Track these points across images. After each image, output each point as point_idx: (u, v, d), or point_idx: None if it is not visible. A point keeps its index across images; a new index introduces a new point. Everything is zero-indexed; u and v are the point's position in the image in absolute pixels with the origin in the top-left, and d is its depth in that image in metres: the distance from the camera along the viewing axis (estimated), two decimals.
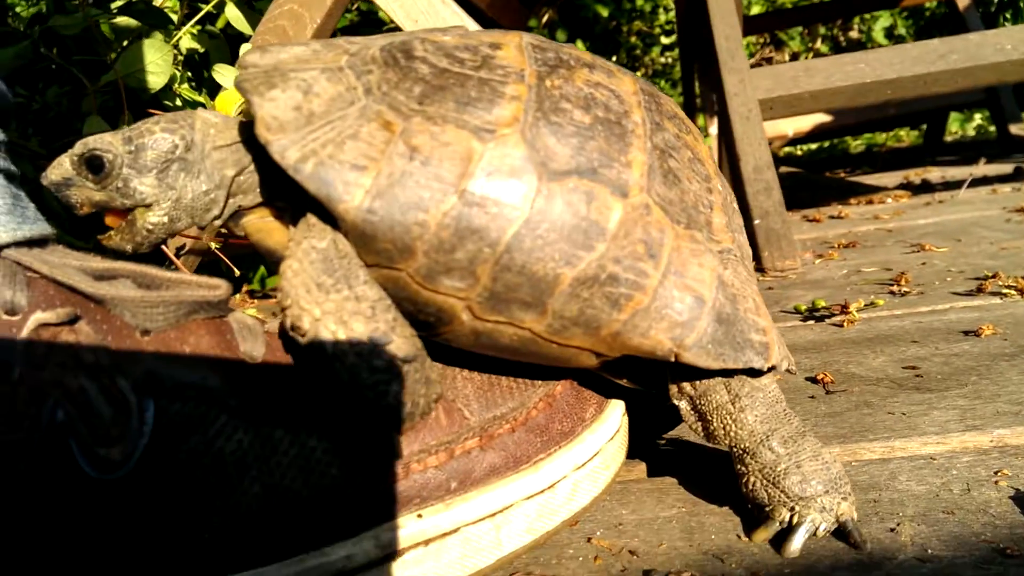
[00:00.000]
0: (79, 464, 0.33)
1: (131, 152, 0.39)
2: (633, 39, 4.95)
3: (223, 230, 0.43)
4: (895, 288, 0.89)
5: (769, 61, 4.99)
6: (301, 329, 0.37)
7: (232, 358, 0.38)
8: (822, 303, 0.85)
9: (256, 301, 1.44)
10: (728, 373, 0.43)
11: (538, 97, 0.40)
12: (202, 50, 1.66)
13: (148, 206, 0.40)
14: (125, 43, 1.64)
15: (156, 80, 1.39)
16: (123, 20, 1.55)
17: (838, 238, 1.31)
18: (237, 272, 1.35)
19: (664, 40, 4.86)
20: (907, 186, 1.88)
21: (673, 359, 0.41)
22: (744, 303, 0.44)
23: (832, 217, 1.56)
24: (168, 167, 0.40)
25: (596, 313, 0.40)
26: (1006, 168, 1.90)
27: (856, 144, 3.57)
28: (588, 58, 0.44)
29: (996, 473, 0.45)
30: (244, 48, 0.95)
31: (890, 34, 4.55)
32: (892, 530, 0.40)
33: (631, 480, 0.50)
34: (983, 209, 1.39)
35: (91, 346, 0.34)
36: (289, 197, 0.42)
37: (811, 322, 0.81)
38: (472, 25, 1.25)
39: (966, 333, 0.70)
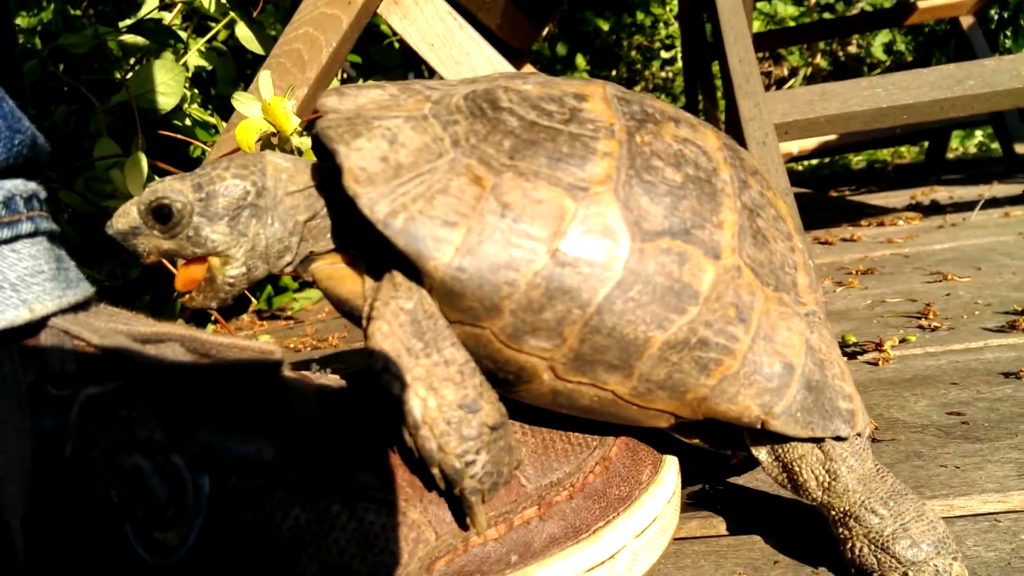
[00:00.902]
0: (135, 550, 0.31)
1: (202, 200, 0.38)
2: (633, 53, 4.97)
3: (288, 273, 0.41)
4: (923, 322, 0.88)
5: (768, 76, 5.01)
6: (392, 395, 0.35)
7: (288, 427, 0.36)
8: (852, 338, 0.84)
9: (265, 323, 1.42)
10: (815, 440, 0.42)
11: (630, 154, 0.39)
12: (209, 67, 1.65)
13: (220, 256, 0.38)
14: (132, 61, 1.63)
15: (167, 101, 1.38)
16: (132, 38, 1.54)
17: (855, 263, 1.30)
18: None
19: (664, 55, 4.87)
20: (916, 207, 1.87)
21: (760, 426, 0.40)
22: (831, 368, 0.42)
23: (845, 240, 1.55)
24: (239, 214, 0.38)
25: (684, 377, 0.39)
26: (1014, 189, 1.90)
27: (857, 160, 3.58)
28: (672, 111, 0.43)
29: None
30: (262, 76, 0.94)
31: (889, 50, 4.57)
32: None
33: (683, 538, 0.49)
34: (998, 234, 1.38)
35: (144, 421, 0.32)
36: (363, 245, 0.41)
37: (844, 359, 0.80)
38: (487, 48, 1.24)
39: (1006, 375, 0.69)
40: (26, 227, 0.34)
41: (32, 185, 0.36)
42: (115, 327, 0.35)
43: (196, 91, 1.72)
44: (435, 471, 0.36)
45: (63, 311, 0.34)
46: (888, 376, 0.73)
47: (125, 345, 0.33)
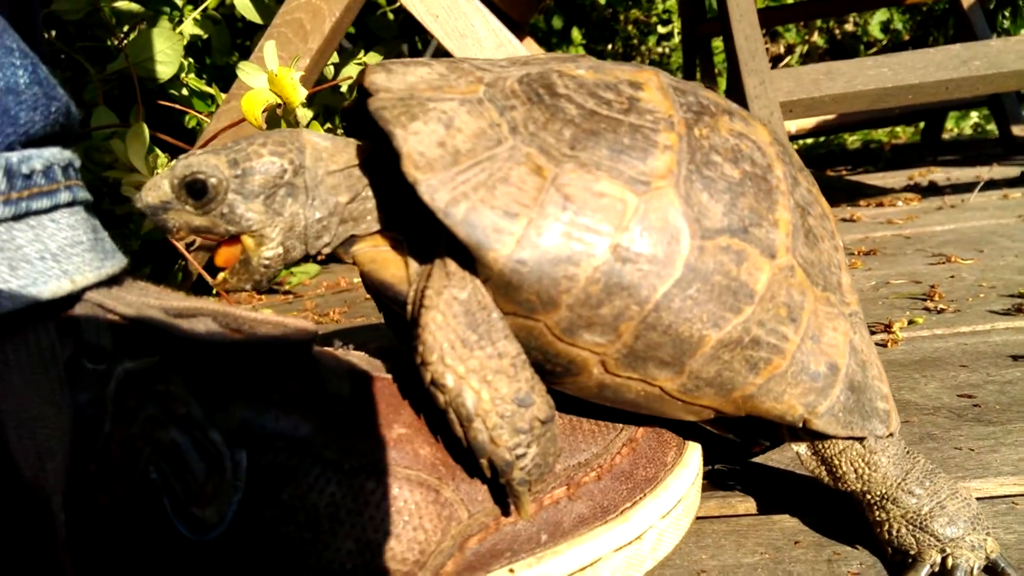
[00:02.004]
0: (175, 526, 0.31)
1: (237, 176, 0.36)
2: (630, 28, 4.92)
3: (322, 256, 0.40)
4: (930, 304, 0.89)
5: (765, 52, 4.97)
6: (445, 387, 0.35)
7: (322, 403, 0.36)
8: None
9: (263, 297, 1.41)
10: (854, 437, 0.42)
11: (690, 148, 0.38)
12: (205, 36, 1.62)
13: (255, 236, 0.37)
14: (126, 28, 1.59)
15: (165, 70, 1.35)
16: (126, 5, 1.51)
17: (856, 244, 1.30)
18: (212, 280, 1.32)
19: (661, 29, 4.83)
20: (914, 188, 1.87)
21: (802, 425, 0.40)
22: (871, 369, 0.43)
23: (845, 220, 1.55)
24: (276, 192, 0.37)
25: (733, 375, 0.39)
26: (1012, 171, 1.91)
27: (853, 140, 3.57)
28: (724, 103, 0.43)
29: None
30: (267, 46, 0.92)
31: (886, 29, 4.55)
32: None
33: (703, 518, 0.49)
34: (998, 216, 1.39)
35: (181, 397, 0.32)
36: (407, 228, 0.40)
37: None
38: (492, 19, 1.22)
39: (1015, 358, 0.69)
40: (64, 196, 0.33)
41: (68, 153, 0.35)
42: (148, 301, 0.34)
43: (191, 60, 1.69)
44: (484, 462, 0.36)
45: (99, 284, 0.33)
46: (898, 358, 0.73)
47: (160, 319, 0.33)
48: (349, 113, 0.45)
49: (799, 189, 0.43)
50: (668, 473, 0.44)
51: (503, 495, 0.38)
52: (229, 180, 0.36)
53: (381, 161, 0.40)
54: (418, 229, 0.38)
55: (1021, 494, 0.48)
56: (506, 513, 0.38)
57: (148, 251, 1.19)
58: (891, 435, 0.42)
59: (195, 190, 0.36)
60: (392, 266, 0.40)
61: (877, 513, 0.42)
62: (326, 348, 0.42)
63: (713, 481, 0.53)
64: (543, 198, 0.35)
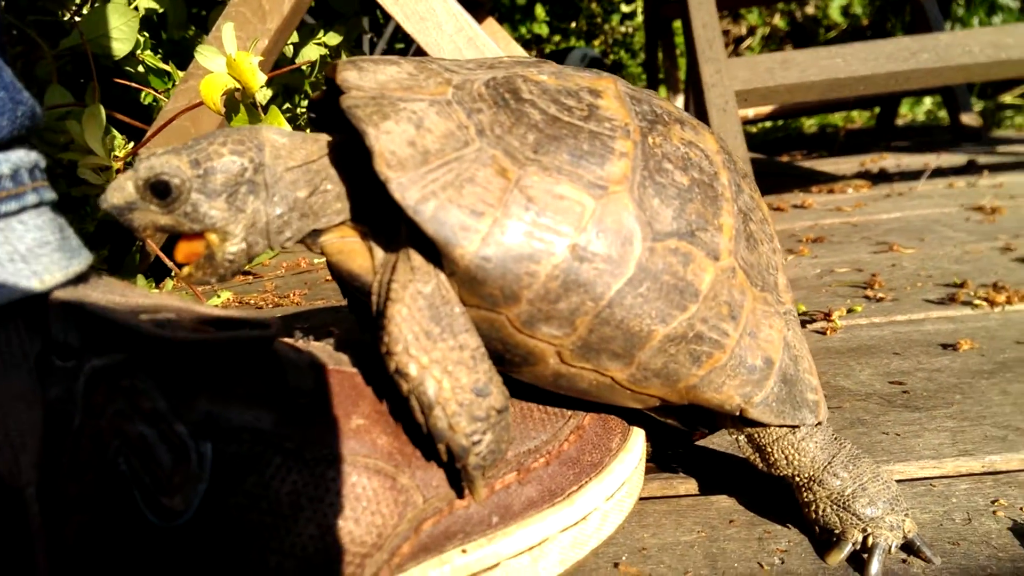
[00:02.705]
0: (144, 514, 0.32)
1: (200, 176, 0.38)
2: (593, 6, 4.92)
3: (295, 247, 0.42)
4: (869, 292, 0.93)
5: (726, 34, 5.02)
6: (408, 376, 0.37)
7: (283, 396, 0.38)
8: (803, 307, 0.88)
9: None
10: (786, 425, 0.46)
11: (644, 155, 0.41)
12: (160, 10, 1.59)
13: (218, 232, 0.39)
14: (79, 1, 1.56)
15: (120, 47, 1.33)
16: None
17: (805, 231, 1.34)
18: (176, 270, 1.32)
19: (624, 8, 4.83)
20: (865, 174, 1.93)
21: (738, 414, 0.44)
22: (803, 363, 0.46)
23: (796, 206, 1.60)
24: (237, 190, 0.38)
25: (678, 367, 0.42)
26: (959, 159, 1.97)
27: (810, 124, 3.64)
28: (676, 112, 0.46)
29: (993, 503, 0.48)
30: (225, 28, 0.91)
31: (846, 12, 4.61)
32: (904, 561, 0.43)
33: (646, 498, 0.52)
34: (942, 205, 1.45)
35: (148, 392, 0.34)
36: (371, 220, 0.41)
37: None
38: (452, 3, 1.23)
39: (944, 347, 0.74)
40: (31, 198, 0.34)
41: (34, 155, 0.36)
42: (114, 299, 0.36)
43: (147, 34, 1.66)
44: (441, 447, 0.38)
45: (67, 282, 0.34)
46: (835, 345, 0.77)
47: (126, 317, 0.34)
48: (317, 105, 0.46)
49: (742, 196, 0.46)
50: (613, 458, 0.46)
51: (458, 479, 0.40)
52: (192, 180, 0.37)
53: (348, 155, 0.41)
54: (383, 221, 0.40)
55: (938, 476, 0.52)
56: (460, 496, 0.40)
57: (105, 233, 1.18)
58: (819, 424, 0.46)
59: (159, 190, 0.37)
60: (359, 257, 0.41)
61: (805, 494, 0.46)
62: (287, 340, 0.44)
63: (658, 463, 0.56)
64: (507, 198, 0.37)
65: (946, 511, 0.47)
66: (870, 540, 0.43)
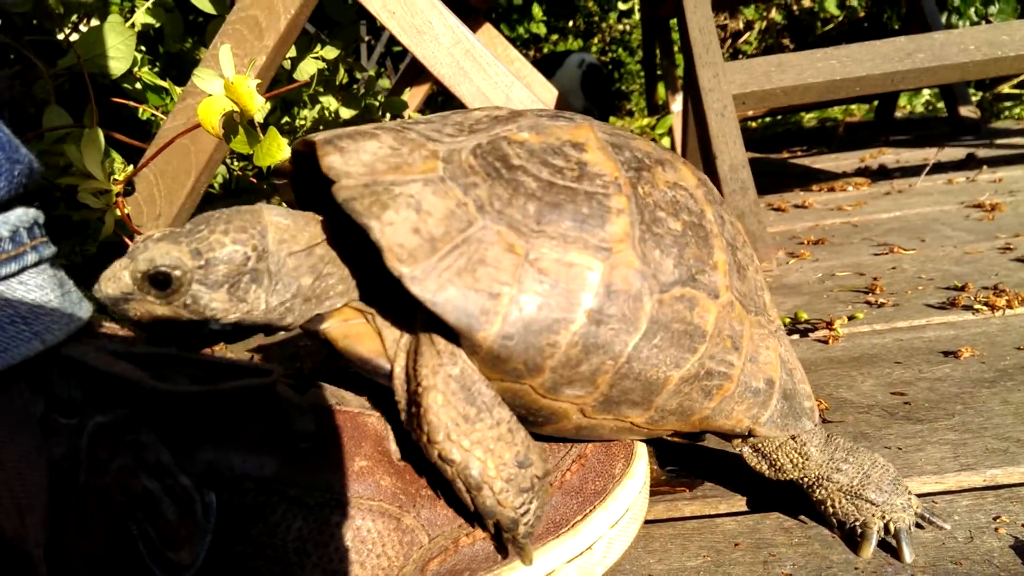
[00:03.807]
0: (151, 571, 0.33)
1: (201, 267, 0.37)
2: (591, 4, 4.91)
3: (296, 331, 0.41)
4: (871, 298, 0.93)
5: (724, 28, 5.01)
6: (452, 462, 0.38)
7: (286, 442, 0.38)
8: (804, 315, 0.88)
9: None
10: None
11: (638, 208, 0.42)
12: (157, 25, 1.59)
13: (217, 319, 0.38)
14: (75, 17, 1.57)
15: (118, 65, 1.34)
16: None
17: (807, 232, 1.34)
18: None
19: (622, 6, 4.83)
20: (865, 171, 1.93)
21: (748, 434, 0.46)
22: (796, 374, 0.48)
23: (797, 206, 1.60)
24: (240, 279, 0.38)
25: (691, 404, 0.43)
26: (958, 153, 1.97)
27: (809, 118, 3.63)
28: (655, 152, 0.46)
29: (995, 519, 0.48)
30: (223, 51, 0.91)
31: (842, 5, 4.60)
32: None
33: (652, 522, 0.52)
34: (942, 203, 1.44)
35: (151, 445, 0.34)
36: (376, 299, 0.42)
37: (795, 336, 0.84)
38: (449, 16, 1.23)
39: (946, 354, 0.74)
40: (31, 257, 0.34)
41: (32, 212, 0.36)
42: (117, 349, 0.36)
43: (144, 48, 1.66)
44: (490, 523, 0.39)
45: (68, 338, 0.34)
46: (837, 355, 0.77)
47: (128, 372, 0.34)
48: (291, 173, 0.46)
49: (726, 227, 0.47)
50: (616, 485, 0.47)
51: (503, 545, 0.41)
52: (193, 271, 0.37)
53: (343, 235, 0.41)
54: (388, 300, 0.40)
55: (940, 492, 0.52)
56: (505, 556, 0.41)
57: (105, 256, 1.19)
58: (815, 426, 0.48)
59: (158, 282, 0.36)
60: (367, 340, 0.41)
61: (818, 492, 0.48)
62: (289, 380, 0.44)
63: (662, 479, 0.56)
64: (520, 274, 0.38)
65: (948, 529, 0.48)
66: (891, 527, 0.46)
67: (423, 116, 0.46)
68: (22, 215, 0.35)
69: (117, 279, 0.37)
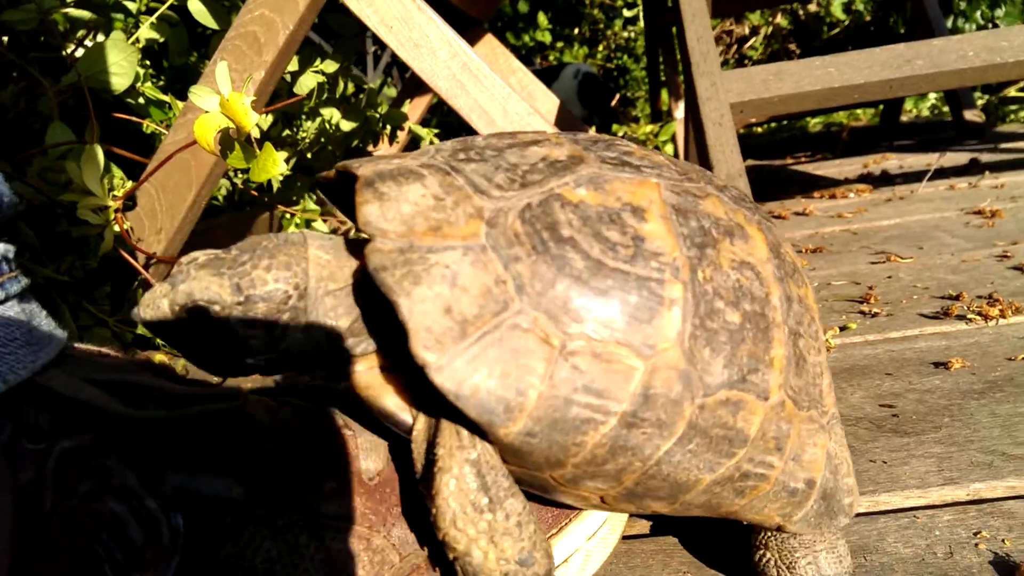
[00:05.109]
0: None
1: (240, 303, 0.36)
2: (596, 12, 4.92)
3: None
4: (865, 307, 0.93)
5: (729, 34, 5.01)
6: (455, 549, 0.37)
7: (254, 463, 0.38)
8: None
9: None
10: None
11: (695, 298, 0.38)
12: (161, 40, 1.61)
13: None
14: (81, 33, 1.58)
15: (120, 81, 1.35)
16: (78, 12, 1.50)
17: (805, 241, 1.34)
18: None
19: (627, 13, 4.83)
20: (867, 177, 1.92)
21: (776, 529, 0.43)
22: (842, 469, 0.45)
23: (797, 213, 1.59)
24: (279, 317, 0.37)
25: (720, 501, 0.41)
26: (961, 158, 1.96)
27: (815, 123, 3.62)
28: (724, 217, 0.41)
29: (976, 535, 0.48)
30: (219, 68, 0.92)
31: (848, 9, 4.59)
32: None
33: (634, 536, 0.52)
34: (942, 209, 1.44)
35: (117, 469, 0.34)
36: (402, 352, 0.38)
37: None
38: (447, 30, 1.24)
39: (936, 365, 0.73)
40: None
41: (0, 247, 0.36)
42: (87, 374, 0.36)
43: (148, 63, 1.68)
44: None
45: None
46: (829, 366, 0.77)
47: (94, 398, 0.35)
48: (327, 186, 0.44)
49: (792, 308, 0.42)
50: None
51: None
52: (231, 308, 0.36)
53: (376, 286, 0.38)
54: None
55: (923, 507, 0.52)
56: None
57: (107, 269, 1.20)
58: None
59: (195, 314, 0.36)
60: (391, 394, 0.39)
61: (757, 543, 0.46)
62: (262, 399, 0.45)
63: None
64: (551, 370, 0.35)
65: (928, 544, 0.47)
66: None
67: (484, 146, 0.42)
68: None
69: (156, 307, 0.36)
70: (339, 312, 0.38)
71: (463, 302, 0.35)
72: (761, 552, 0.45)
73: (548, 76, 3.40)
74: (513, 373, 0.35)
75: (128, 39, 1.41)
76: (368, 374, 0.40)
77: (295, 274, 0.37)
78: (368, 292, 0.39)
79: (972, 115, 2.33)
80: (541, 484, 0.40)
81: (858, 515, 0.51)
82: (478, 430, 0.37)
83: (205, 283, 0.35)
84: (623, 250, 0.37)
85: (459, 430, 0.37)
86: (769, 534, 0.45)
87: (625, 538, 0.52)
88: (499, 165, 0.40)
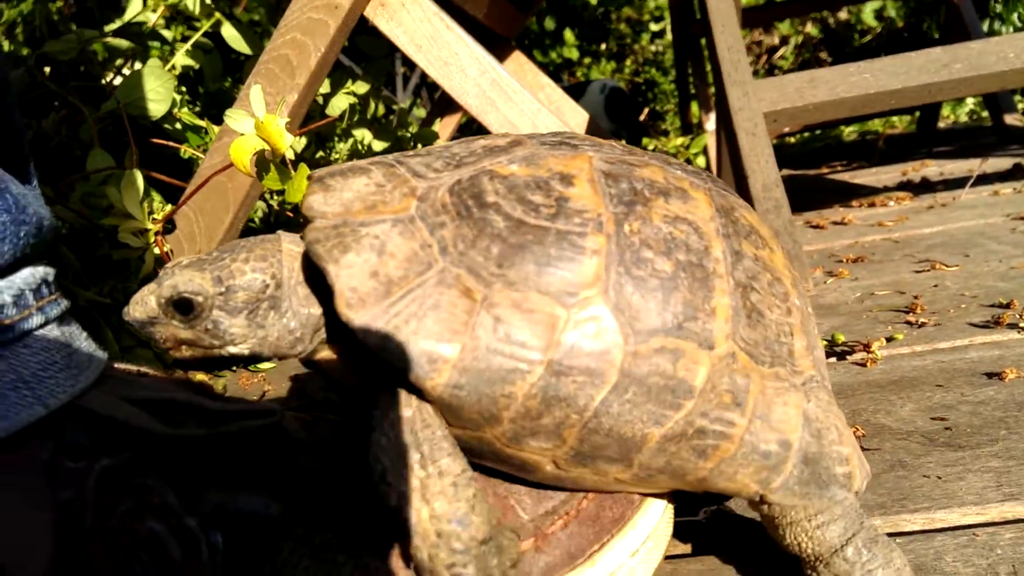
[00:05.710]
0: None
1: (222, 294, 0.38)
2: (622, 26, 4.93)
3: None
4: (911, 318, 0.90)
5: (759, 44, 4.98)
6: (388, 506, 0.37)
7: (291, 481, 0.38)
8: (841, 337, 0.85)
9: None
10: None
11: (619, 247, 0.38)
12: (196, 66, 1.65)
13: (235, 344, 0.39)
14: (119, 62, 1.62)
15: (157, 108, 1.38)
16: (117, 41, 1.54)
17: (845, 250, 1.31)
18: None
19: (653, 27, 4.83)
20: (907, 185, 1.88)
21: (758, 499, 0.42)
22: (828, 435, 0.43)
23: (836, 223, 1.56)
24: (258, 306, 0.39)
25: (683, 463, 0.40)
26: (1004, 163, 1.91)
27: (849, 131, 3.57)
28: (662, 181, 0.42)
29: None
30: (254, 91, 0.94)
31: (880, 16, 4.53)
32: None
33: (677, 556, 0.51)
34: (987, 216, 1.40)
35: (157, 487, 0.34)
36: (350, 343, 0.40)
37: (832, 359, 0.82)
38: (476, 48, 1.24)
39: (989, 376, 0.71)
40: (36, 320, 0.35)
41: (41, 271, 0.37)
42: (123, 394, 0.36)
43: (184, 89, 1.71)
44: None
45: None
46: (875, 378, 0.75)
47: (134, 416, 0.35)
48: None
49: (742, 263, 0.42)
50: (636, 511, 0.45)
51: None
52: (214, 298, 0.38)
53: None
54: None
55: (982, 524, 0.49)
56: None
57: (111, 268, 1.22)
58: (856, 493, 0.43)
59: (181, 307, 0.38)
60: (350, 371, 0.41)
61: (808, 572, 0.44)
62: (298, 414, 0.44)
63: (686, 530, 0.55)
64: (474, 321, 0.36)
65: (990, 564, 0.45)
66: None
67: (434, 146, 0.45)
68: (28, 276, 0.36)
69: (144, 303, 0.38)
70: (311, 300, 0.40)
71: (390, 266, 0.37)
72: (809, 573, 0.44)
73: (575, 93, 3.40)
74: (436, 325, 0.36)
75: (164, 66, 1.45)
76: (331, 351, 0.41)
77: (271, 264, 0.40)
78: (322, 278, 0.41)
79: (1013, 119, 2.27)
80: (490, 449, 0.39)
81: (913, 532, 0.49)
82: (415, 390, 0.37)
83: (188, 276, 0.38)
84: (545, 210, 0.39)
85: (397, 391, 0.37)
86: (816, 559, 0.43)
87: (667, 558, 0.50)
88: (442, 155, 0.43)
